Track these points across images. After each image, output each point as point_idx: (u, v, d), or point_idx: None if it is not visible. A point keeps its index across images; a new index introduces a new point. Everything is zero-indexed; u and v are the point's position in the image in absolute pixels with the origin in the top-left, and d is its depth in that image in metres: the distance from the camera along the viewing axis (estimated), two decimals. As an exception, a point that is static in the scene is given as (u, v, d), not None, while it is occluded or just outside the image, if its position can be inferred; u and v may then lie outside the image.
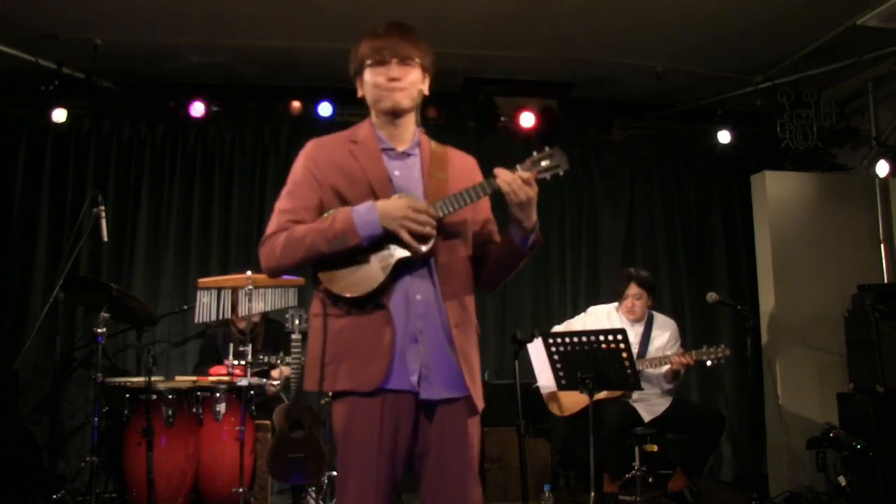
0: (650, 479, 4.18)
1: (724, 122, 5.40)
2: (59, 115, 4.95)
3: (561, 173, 1.98)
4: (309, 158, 2.08)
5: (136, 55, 5.04)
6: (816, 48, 4.80)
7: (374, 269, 1.95)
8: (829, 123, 5.26)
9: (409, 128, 2.10)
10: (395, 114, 2.05)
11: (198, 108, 5.22)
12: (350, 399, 1.94)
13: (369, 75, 2.03)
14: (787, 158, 5.36)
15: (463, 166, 2.15)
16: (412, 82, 2.04)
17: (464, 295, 2.06)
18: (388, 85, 2.01)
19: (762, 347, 5.19)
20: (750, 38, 4.78)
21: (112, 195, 5.32)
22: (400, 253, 1.95)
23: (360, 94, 2.09)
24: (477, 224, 2.12)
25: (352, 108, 5.45)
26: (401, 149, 2.08)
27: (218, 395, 4.07)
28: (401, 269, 1.96)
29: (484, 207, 2.15)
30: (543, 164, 1.98)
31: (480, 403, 2.04)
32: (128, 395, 4.01)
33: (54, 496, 4.06)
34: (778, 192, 5.24)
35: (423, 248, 1.95)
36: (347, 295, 1.95)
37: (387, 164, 2.05)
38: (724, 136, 5.41)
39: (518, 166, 1.98)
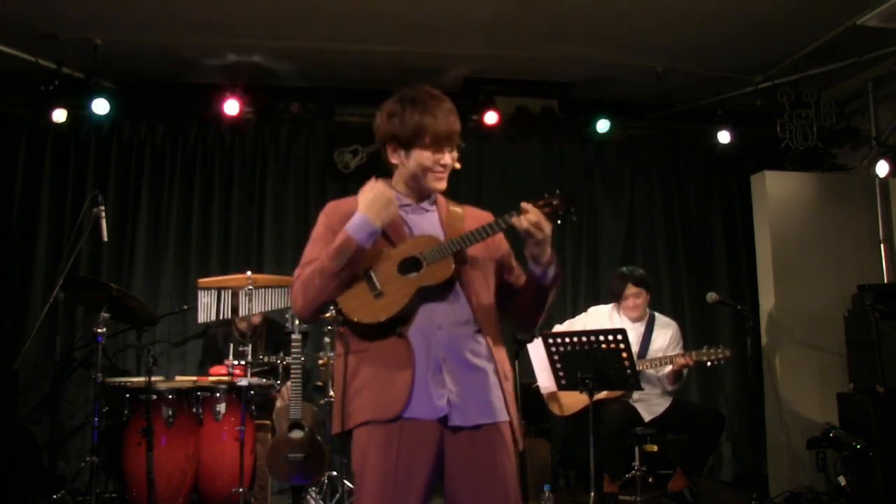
0: (650, 479, 4.19)
1: (724, 122, 5.40)
2: (59, 115, 4.95)
3: (573, 210, 2.03)
4: (328, 214, 2.13)
5: (136, 55, 5.04)
6: (816, 48, 4.80)
7: (394, 298, 1.98)
8: (829, 123, 5.26)
9: (428, 193, 2.16)
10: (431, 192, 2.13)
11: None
12: (368, 428, 1.95)
13: (421, 157, 2.05)
14: (787, 158, 5.36)
15: (478, 219, 2.16)
16: (453, 161, 2.10)
17: (489, 325, 2.09)
18: (439, 170, 2.06)
19: (762, 347, 5.19)
20: (750, 38, 4.78)
21: (112, 195, 5.31)
22: (421, 282, 1.99)
23: (392, 160, 2.11)
24: (496, 258, 2.16)
25: (351, 109, 5.48)
26: (417, 204, 2.14)
27: (218, 395, 4.07)
28: (423, 298, 1.99)
29: (501, 243, 2.19)
30: (555, 202, 2.03)
31: (517, 433, 2.06)
32: (128, 395, 4.01)
33: (54, 496, 4.06)
34: (778, 192, 5.24)
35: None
36: (367, 321, 1.97)
37: (404, 216, 2.11)
38: (724, 136, 5.41)
39: (531, 205, 2.02)
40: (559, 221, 2.02)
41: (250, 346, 4.01)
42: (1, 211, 5.26)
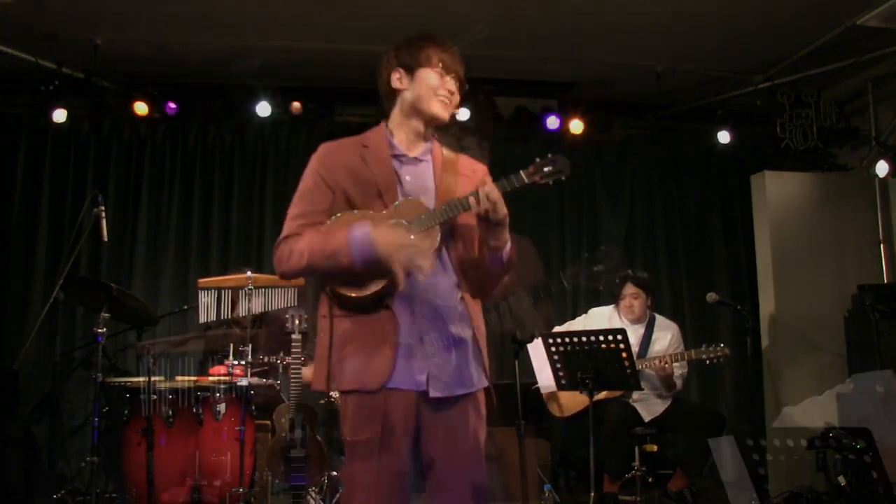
0: (650, 479, 4.18)
1: (724, 122, 5.40)
2: (59, 115, 4.95)
3: (564, 178, 2.02)
4: (319, 163, 2.09)
5: (136, 55, 5.04)
6: (816, 48, 4.81)
7: (380, 271, 1.96)
8: (829, 123, 5.26)
9: (424, 136, 2.14)
10: (432, 122, 2.11)
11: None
12: (355, 398, 1.97)
13: (430, 75, 2.07)
14: (787, 158, 5.36)
15: (473, 173, 2.17)
16: (458, 98, 2.12)
17: (470, 296, 2.10)
18: (447, 95, 2.09)
19: (762, 347, 5.19)
20: (750, 38, 4.78)
21: (112, 195, 5.32)
22: None
23: (396, 85, 2.10)
24: (475, 231, 2.13)
25: (351, 109, 5.48)
26: (412, 155, 2.11)
27: (218, 395, 4.07)
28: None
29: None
30: (546, 169, 2.01)
31: (490, 398, 2.09)
32: (128, 395, 4.01)
33: (54, 496, 4.07)
34: (778, 192, 5.24)
35: (412, 277, 1.97)
36: (352, 295, 1.97)
37: (397, 169, 2.08)
38: (724, 136, 5.41)
39: (521, 172, 2.01)
40: (551, 183, 2.02)
41: (250, 346, 4.00)
42: (1, 211, 5.26)
